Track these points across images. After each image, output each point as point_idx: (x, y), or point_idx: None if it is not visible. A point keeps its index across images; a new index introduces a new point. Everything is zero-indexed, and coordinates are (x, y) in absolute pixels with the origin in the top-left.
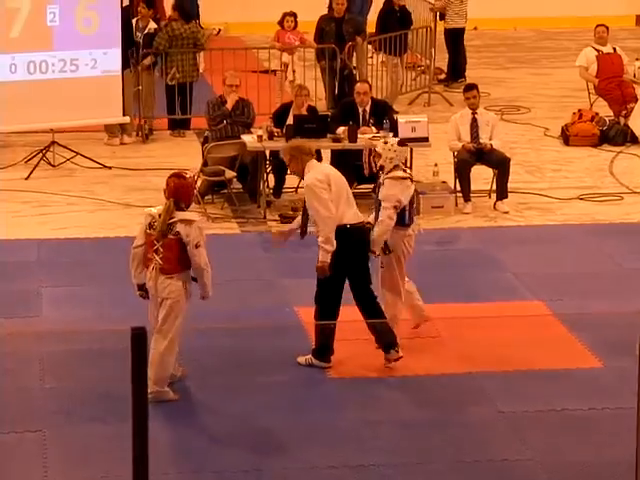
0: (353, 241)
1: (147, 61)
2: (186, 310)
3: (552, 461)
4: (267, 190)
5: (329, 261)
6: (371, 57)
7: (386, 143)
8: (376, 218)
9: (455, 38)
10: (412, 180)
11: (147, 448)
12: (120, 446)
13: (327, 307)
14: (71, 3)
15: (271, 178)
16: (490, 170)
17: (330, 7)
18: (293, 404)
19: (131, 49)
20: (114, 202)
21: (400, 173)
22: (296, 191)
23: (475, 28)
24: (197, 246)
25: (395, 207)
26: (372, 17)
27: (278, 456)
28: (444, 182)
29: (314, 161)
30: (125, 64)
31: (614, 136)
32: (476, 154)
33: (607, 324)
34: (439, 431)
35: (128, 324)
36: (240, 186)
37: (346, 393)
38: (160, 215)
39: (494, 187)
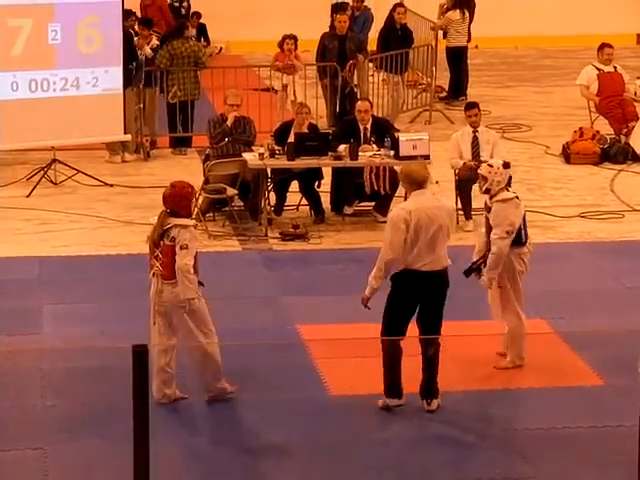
0: (421, 288)
1: (148, 50)
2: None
3: (553, 479)
4: (268, 208)
5: (368, 296)
6: (372, 75)
7: (491, 166)
8: (487, 244)
9: (457, 56)
10: (518, 198)
11: (148, 465)
12: (121, 463)
13: (388, 348)
14: (73, 21)
15: (272, 196)
16: None
17: (332, 25)
18: (294, 422)
19: (133, 64)
20: (115, 220)
21: (508, 194)
22: (297, 209)
23: (476, 46)
24: (182, 247)
25: (508, 233)
26: (373, 35)
27: (280, 474)
28: None
29: (420, 191)
30: (127, 82)
31: (615, 154)
32: (477, 172)
33: (608, 342)
34: (441, 449)
35: (129, 341)
36: (241, 204)
37: (347, 411)
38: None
39: None
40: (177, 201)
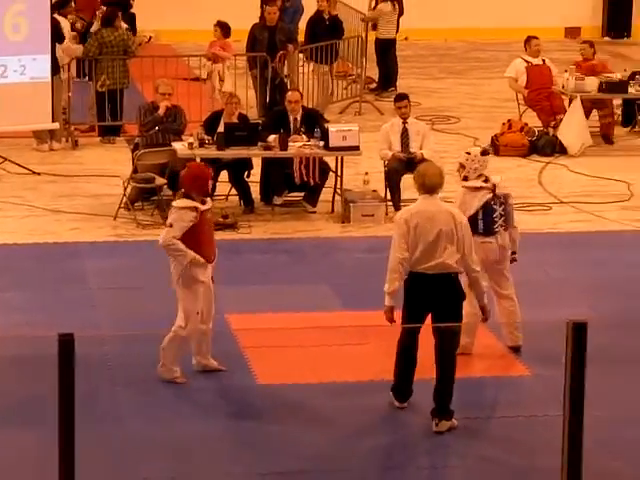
0: (428, 291)
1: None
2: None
3: (479, 468)
4: None
5: (390, 305)
6: (302, 66)
7: (469, 154)
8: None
9: (386, 48)
10: (494, 191)
11: (74, 456)
12: (47, 454)
13: (400, 348)
14: (0, 9)
15: None
16: None
17: (262, 16)
18: (221, 411)
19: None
20: (43, 208)
21: (473, 183)
22: (226, 199)
23: (406, 38)
24: (166, 225)
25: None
26: (302, 26)
27: (203, 464)
28: (375, 191)
29: (427, 196)
30: (54, 70)
31: (543, 146)
32: (406, 163)
33: (535, 333)
34: (370, 437)
35: (56, 330)
36: (170, 193)
37: (274, 400)
38: None
39: None
40: (193, 181)
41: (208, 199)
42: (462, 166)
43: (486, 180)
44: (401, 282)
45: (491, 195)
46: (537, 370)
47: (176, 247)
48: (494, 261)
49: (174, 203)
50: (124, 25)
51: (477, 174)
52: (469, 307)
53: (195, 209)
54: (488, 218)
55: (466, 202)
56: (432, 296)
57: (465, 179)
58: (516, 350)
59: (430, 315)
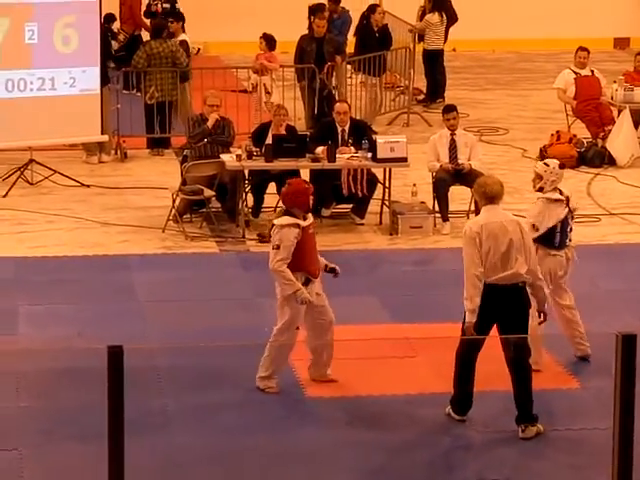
0: (498, 302)
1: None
2: (299, 312)
3: None
4: (246, 209)
5: (472, 321)
6: (350, 77)
7: (547, 165)
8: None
9: (434, 59)
10: (567, 204)
11: (123, 468)
12: (97, 466)
13: (461, 360)
14: (50, 21)
15: (250, 197)
16: (468, 190)
17: (310, 27)
18: (270, 423)
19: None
20: (92, 220)
21: (554, 195)
22: (274, 210)
23: (454, 49)
24: (273, 247)
25: (533, 226)
26: (351, 37)
27: (254, 476)
28: (423, 202)
29: (491, 207)
30: (104, 82)
31: (592, 158)
32: (454, 174)
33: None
34: (415, 451)
35: (105, 343)
36: (219, 205)
37: (323, 413)
38: None
39: (472, 207)
40: (295, 197)
41: (309, 215)
42: (539, 177)
43: (560, 193)
44: (480, 297)
45: (567, 209)
46: (586, 382)
47: (284, 275)
48: (559, 274)
49: (276, 221)
50: (183, 36)
51: (553, 186)
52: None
53: (297, 226)
54: (564, 232)
55: (544, 213)
56: (501, 307)
57: (540, 190)
58: (585, 359)
59: (496, 325)
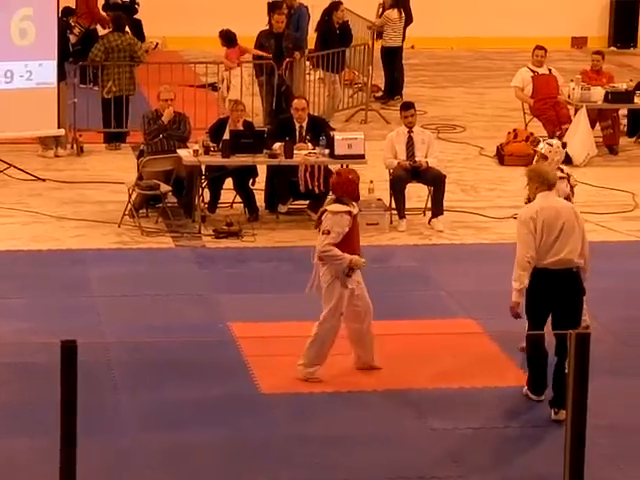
0: (552, 286)
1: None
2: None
3: (481, 479)
4: (202, 205)
5: (517, 301)
6: (309, 73)
7: (551, 145)
8: None
9: (392, 56)
10: (569, 181)
11: (75, 463)
12: (48, 462)
13: (531, 343)
14: (7, 13)
15: (206, 193)
16: (425, 188)
17: (270, 23)
18: (224, 420)
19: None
20: (48, 215)
21: (559, 173)
22: (231, 206)
23: (412, 47)
24: (323, 232)
25: None
26: (311, 33)
27: (204, 474)
28: (379, 199)
29: (547, 193)
30: (61, 76)
31: None
32: (411, 172)
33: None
34: (371, 448)
35: (59, 338)
36: (175, 200)
37: (277, 409)
38: None
39: (429, 205)
40: (346, 186)
41: (355, 204)
42: (544, 157)
43: (562, 171)
44: (528, 279)
45: (569, 186)
46: None
47: (332, 253)
48: None
49: (328, 208)
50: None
51: (558, 165)
52: None
53: (349, 213)
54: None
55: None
56: (556, 292)
57: None
58: None
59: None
